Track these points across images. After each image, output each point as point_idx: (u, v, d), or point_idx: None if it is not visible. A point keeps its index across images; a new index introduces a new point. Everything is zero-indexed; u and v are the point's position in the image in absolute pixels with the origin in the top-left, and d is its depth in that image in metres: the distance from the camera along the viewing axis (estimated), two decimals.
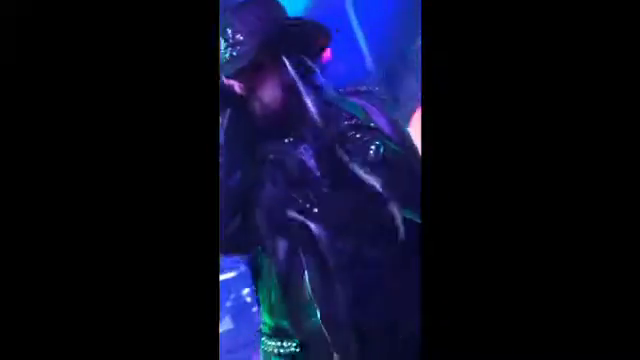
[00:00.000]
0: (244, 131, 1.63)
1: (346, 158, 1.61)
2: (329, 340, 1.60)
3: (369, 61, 4.89)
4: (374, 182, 1.59)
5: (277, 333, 1.73)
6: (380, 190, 1.59)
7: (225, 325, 4.90)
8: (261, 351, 1.78)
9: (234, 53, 1.64)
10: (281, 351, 1.72)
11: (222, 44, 1.66)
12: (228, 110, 1.61)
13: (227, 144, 1.61)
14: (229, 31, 1.65)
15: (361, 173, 1.59)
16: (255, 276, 1.76)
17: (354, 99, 1.76)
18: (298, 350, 1.69)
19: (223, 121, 1.61)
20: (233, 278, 4.27)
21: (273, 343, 1.74)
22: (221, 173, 1.59)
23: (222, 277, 4.66)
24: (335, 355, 1.61)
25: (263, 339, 1.78)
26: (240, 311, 4.46)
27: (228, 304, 4.91)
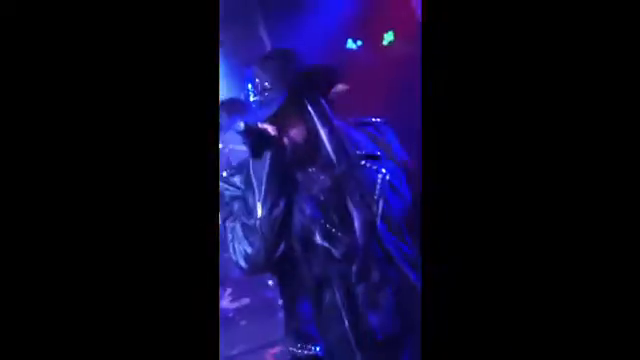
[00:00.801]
0: (282, 166, 1.89)
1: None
2: (353, 343, 1.84)
3: None
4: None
5: (301, 336, 1.94)
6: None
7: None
8: (289, 351, 1.98)
9: (262, 99, 1.91)
10: (305, 352, 1.93)
11: (251, 93, 1.94)
12: (269, 151, 1.87)
13: (270, 179, 1.86)
14: (257, 81, 1.92)
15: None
16: (281, 284, 1.99)
17: (363, 129, 2.02)
18: (320, 354, 1.91)
19: (265, 161, 1.87)
20: None
21: (298, 345, 1.95)
22: (266, 205, 1.86)
23: None
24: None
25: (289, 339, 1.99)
26: None
27: None
